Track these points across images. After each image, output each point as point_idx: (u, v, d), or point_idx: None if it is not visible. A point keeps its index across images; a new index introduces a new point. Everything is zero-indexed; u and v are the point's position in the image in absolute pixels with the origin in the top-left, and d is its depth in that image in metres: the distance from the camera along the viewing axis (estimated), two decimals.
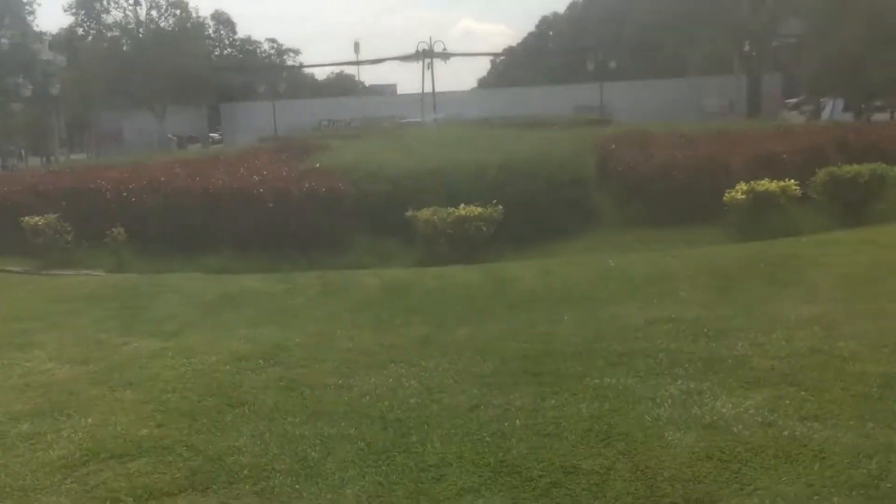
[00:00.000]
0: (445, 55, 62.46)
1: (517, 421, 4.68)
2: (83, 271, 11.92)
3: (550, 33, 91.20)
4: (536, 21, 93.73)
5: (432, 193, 11.99)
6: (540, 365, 5.66)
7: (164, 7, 52.19)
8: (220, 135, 58.63)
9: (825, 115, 35.63)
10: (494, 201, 11.15)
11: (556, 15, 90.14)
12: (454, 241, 10.75)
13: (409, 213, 11.24)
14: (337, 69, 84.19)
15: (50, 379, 6.10)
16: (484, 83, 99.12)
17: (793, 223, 11.72)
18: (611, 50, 61.84)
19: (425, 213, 11.03)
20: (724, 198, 11.76)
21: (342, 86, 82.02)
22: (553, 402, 4.95)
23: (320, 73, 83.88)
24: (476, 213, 10.86)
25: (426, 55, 59.00)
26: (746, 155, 13.33)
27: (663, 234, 11.98)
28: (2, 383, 6.06)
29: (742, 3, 45.42)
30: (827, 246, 9.76)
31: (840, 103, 36.62)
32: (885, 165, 12.60)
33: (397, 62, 64.12)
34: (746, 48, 50.32)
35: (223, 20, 70.78)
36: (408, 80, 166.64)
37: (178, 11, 51.58)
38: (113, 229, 12.05)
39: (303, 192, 11.65)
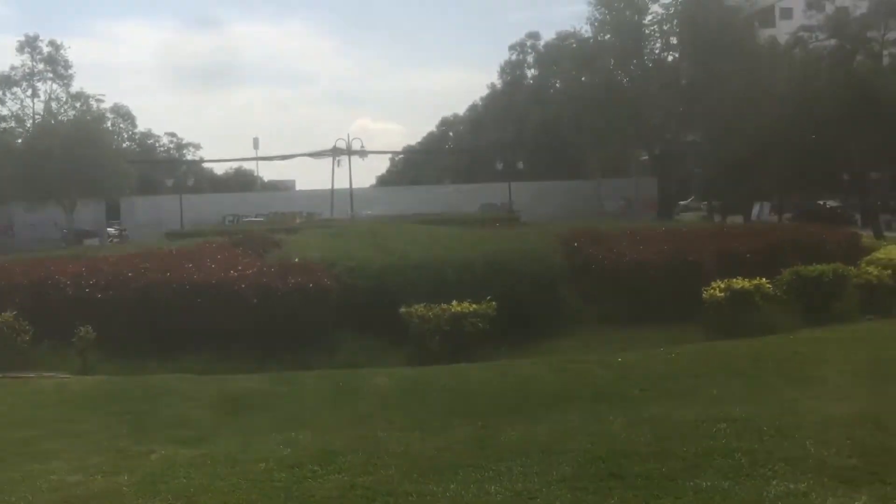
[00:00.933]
0: (363, 153, 63.78)
1: None
2: (46, 373, 11.15)
3: (451, 134, 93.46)
4: (435, 121, 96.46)
5: (416, 289, 11.89)
6: (620, 467, 5.57)
7: (65, 99, 50.76)
8: (118, 229, 56.61)
9: (754, 216, 37.71)
10: (489, 297, 11.13)
11: (456, 116, 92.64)
12: (450, 338, 10.62)
13: (403, 310, 11.07)
14: (236, 164, 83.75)
15: (87, 492, 5.62)
16: (384, 181, 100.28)
17: (766, 321, 12.10)
18: (512, 151, 64.26)
19: (419, 310, 10.89)
20: (704, 295, 12.09)
21: (241, 181, 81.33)
22: None
23: (219, 168, 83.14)
24: (471, 309, 10.81)
25: (338, 152, 60.47)
26: (711, 253, 13.77)
27: (643, 331, 12.12)
28: (33, 499, 5.53)
29: (644, 114, 47.94)
30: (820, 343, 10.12)
31: (767, 206, 38.85)
32: (843, 266, 13.24)
33: (300, 158, 64.31)
34: (646, 154, 53.14)
35: (122, 113, 69.45)
36: (306, 176, 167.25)
37: (78, 104, 50.14)
38: (79, 328, 11.35)
39: (288, 288, 11.34)
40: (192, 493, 5.51)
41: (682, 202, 62.40)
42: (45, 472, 6.12)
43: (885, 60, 52.96)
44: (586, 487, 5.23)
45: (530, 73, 78.22)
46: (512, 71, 79.38)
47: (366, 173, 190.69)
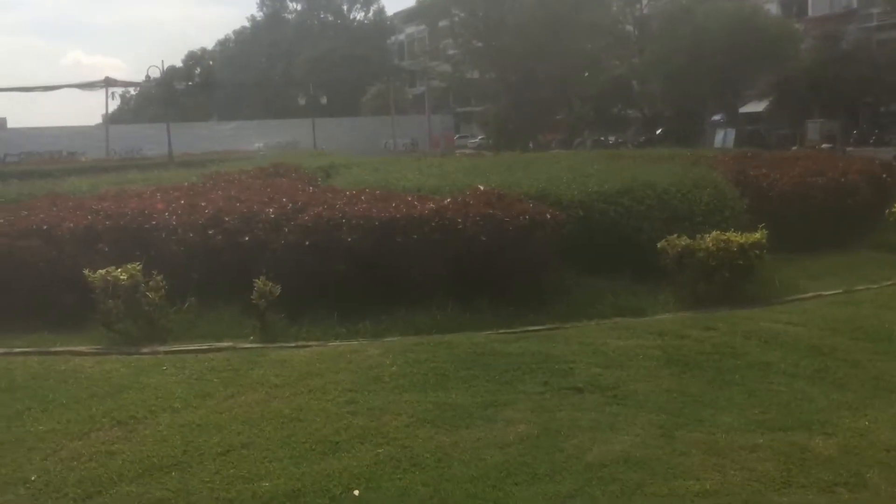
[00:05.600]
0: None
1: None
2: (218, 343, 8.16)
3: (198, 70, 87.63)
4: (161, 56, 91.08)
5: (636, 221, 10.09)
6: None
7: None
8: None
9: (717, 143, 37.92)
10: (762, 225, 9.52)
11: (204, 51, 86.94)
12: (739, 274, 8.98)
13: (662, 244, 9.24)
14: None
15: None
16: (116, 118, 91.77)
17: None
18: (288, 87, 63.19)
19: (695, 243, 9.10)
20: None
21: None
22: None
23: None
24: (753, 239, 9.16)
25: (111, 83, 57.98)
26: (854, 174, 13.05)
27: (831, 259, 11.45)
28: None
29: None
30: None
31: (732, 133, 39.26)
32: None
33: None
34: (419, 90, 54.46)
35: None
36: (16, 114, 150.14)
37: None
38: (255, 280, 8.35)
39: (519, 222, 9.01)
40: None
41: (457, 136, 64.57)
42: None
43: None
44: None
45: (293, 5, 75.87)
46: (272, 4, 76.07)
47: (87, 111, 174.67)
